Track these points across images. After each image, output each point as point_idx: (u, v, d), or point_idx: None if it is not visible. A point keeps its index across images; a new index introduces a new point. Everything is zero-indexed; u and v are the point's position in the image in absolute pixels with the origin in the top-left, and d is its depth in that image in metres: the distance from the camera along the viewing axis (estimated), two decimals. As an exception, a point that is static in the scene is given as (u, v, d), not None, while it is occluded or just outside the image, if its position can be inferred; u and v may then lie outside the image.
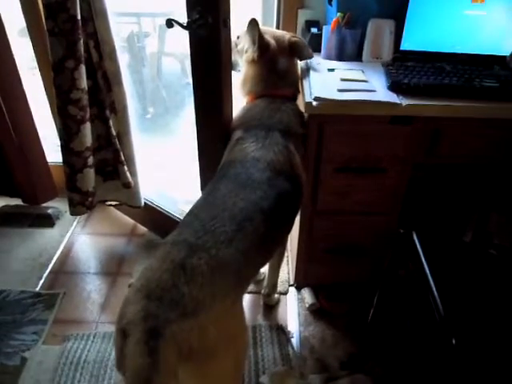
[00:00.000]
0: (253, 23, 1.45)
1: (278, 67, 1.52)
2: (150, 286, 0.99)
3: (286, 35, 1.56)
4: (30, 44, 2.02)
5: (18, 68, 2.04)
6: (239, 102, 1.61)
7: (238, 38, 1.60)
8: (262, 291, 1.92)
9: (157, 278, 1.00)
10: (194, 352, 0.95)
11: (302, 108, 1.53)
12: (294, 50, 1.54)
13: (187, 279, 0.99)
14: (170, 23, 1.35)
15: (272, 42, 1.52)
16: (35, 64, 2.11)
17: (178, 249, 1.06)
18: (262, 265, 1.43)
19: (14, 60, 2.00)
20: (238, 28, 1.54)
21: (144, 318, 0.94)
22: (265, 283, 1.90)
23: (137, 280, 1.04)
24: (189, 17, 1.35)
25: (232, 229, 1.12)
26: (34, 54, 2.06)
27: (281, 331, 1.81)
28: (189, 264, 1.02)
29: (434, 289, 1.15)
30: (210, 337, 0.98)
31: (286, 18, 1.85)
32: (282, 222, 1.35)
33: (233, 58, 1.54)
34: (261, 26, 1.49)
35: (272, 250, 1.40)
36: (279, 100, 1.50)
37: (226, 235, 1.11)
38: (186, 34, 1.43)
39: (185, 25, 1.35)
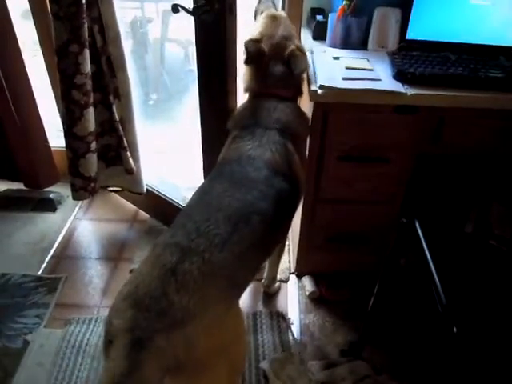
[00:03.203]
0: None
1: (272, 70, 1.44)
2: (138, 293, 0.95)
3: (290, 45, 1.45)
4: (33, 27, 2.01)
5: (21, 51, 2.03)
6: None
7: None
8: (262, 281, 1.92)
9: (146, 285, 0.96)
10: (182, 365, 0.92)
11: (305, 108, 1.51)
12: (290, 63, 1.45)
13: (178, 286, 0.95)
14: (175, 8, 1.34)
15: (265, 48, 1.42)
16: (37, 47, 2.10)
17: (169, 252, 1.02)
18: (259, 267, 1.38)
19: (17, 43, 1.99)
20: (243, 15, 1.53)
21: (130, 328, 0.91)
22: (265, 274, 1.90)
23: (125, 285, 1.00)
24: (195, 2, 1.35)
25: (227, 231, 1.08)
26: (37, 38, 2.04)
27: (281, 318, 1.82)
28: (180, 269, 0.98)
29: (437, 278, 1.15)
30: (200, 348, 0.94)
31: (292, 6, 1.83)
32: (279, 222, 1.31)
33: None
34: (274, 12, 1.51)
35: (269, 250, 1.37)
36: (276, 99, 1.44)
37: (221, 238, 1.06)
38: (190, 19, 1.42)
39: (190, 10, 1.35)
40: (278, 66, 1.44)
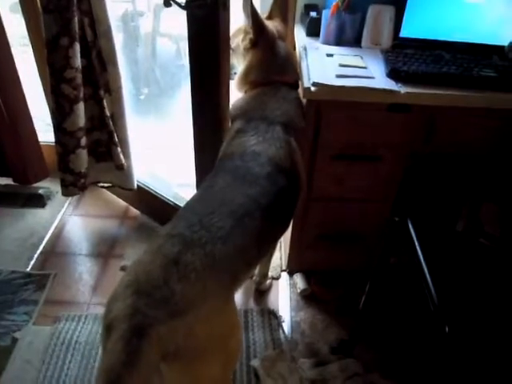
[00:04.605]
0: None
1: (278, 51, 1.45)
2: (139, 281, 0.96)
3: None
4: (22, 21, 1.97)
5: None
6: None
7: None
8: (254, 278, 1.92)
9: (148, 274, 0.97)
10: (180, 352, 0.93)
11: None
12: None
13: (179, 276, 0.96)
14: (167, 2, 1.32)
15: (268, 24, 1.46)
16: (26, 41, 2.06)
17: (171, 243, 1.03)
18: (257, 262, 1.38)
19: (6, 37, 1.95)
20: (237, 13, 1.50)
21: (131, 315, 0.90)
22: (256, 271, 1.90)
23: (126, 274, 1.01)
24: (187, -4, 1.33)
25: (230, 224, 1.09)
26: (26, 31, 2.01)
27: (272, 316, 1.82)
28: (182, 260, 0.98)
29: (429, 277, 1.16)
30: (199, 337, 0.96)
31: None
32: (280, 219, 1.32)
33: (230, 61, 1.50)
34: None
35: (268, 246, 1.37)
36: (283, 88, 1.45)
37: (224, 231, 1.07)
38: (182, 14, 1.40)
39: (183, 4, 1.33)
40: (281, 47, 1.46)
